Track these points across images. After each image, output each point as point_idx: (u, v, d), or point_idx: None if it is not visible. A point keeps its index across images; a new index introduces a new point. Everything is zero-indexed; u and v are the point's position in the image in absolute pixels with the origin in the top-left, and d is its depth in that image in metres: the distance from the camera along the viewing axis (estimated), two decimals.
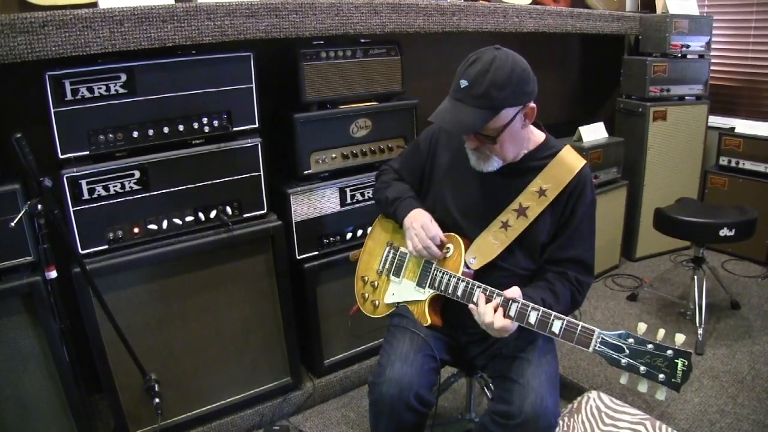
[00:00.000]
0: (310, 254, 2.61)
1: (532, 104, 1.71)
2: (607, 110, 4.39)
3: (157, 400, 2.20)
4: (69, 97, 1.96)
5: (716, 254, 4.19)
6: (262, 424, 2.62)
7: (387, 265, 2.05)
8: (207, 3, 2.14)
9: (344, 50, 2.53)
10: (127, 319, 2.15)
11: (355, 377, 2.88)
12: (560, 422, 2.19)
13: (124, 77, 2.05)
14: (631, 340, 1.44)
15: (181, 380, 2.38)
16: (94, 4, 2.05)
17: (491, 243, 1.82)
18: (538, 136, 1.87)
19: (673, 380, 1.33)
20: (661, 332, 1.43)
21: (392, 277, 2.01)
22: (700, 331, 3.07)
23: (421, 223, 1.87)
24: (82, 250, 2.08)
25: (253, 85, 2.30)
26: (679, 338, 1.34)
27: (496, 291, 1.68)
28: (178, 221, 2.25)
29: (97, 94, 2.01)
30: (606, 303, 3.62)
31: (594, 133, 3.77)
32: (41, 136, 1.97)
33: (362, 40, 2.64)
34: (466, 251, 1.84)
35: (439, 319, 1.91)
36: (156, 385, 2.21)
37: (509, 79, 1.60)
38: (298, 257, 2.58)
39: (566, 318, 1.56)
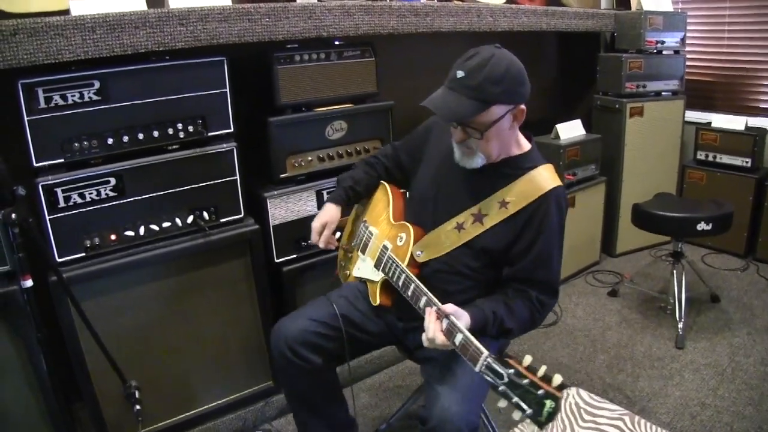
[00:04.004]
0: (289, 257, 2.62)
1: (523, 106, 1.74)
2: (584, 107, 4.42)
3: (137, 407, 2.18)
4: (42, 105, 1.96)
5: (696, 248, 4.24)
6: (245, 429, 2.61)
7: (358, 241, 2.12)
8: (179, 8, 2.14)
9: (318, 53, 2.54)
10: (106, 326, 2.13)
11: None
12: None
13: (97, 84, 2.04)
14: (511, 371, 1.41)
15: (162, 386, 2.37)
16: (66, 12, 2.05)
17: (441, 241, 1.84)
18: (523, 144, 1.88)
19: (538, 418, 1.34)
20: (528, 359, 1.41)
21: (360, 253, 2.08)
22: (680, 325, 3.10)
23: (314, 223, 2.08)
24: (59, 258, 2.08)
25: (227, 90, 2.29)
26: (556, 379, 1.35)
27: (435, 302, 1.63)
28: (155, 227, 2.24)
29: (70, 101, 2.00)
30: (587, 299, 3.65)
31: (571, 130, 3.80)
32: (14, 144, 1.96)
33: (336, 43, 2.65)
34: (415, 243, 1.87)
35: (388, 300, 1.93)
36: (136, 392, 2.19)
37: (504, 76, 1.63)
38: (277, 260, 2.58)
39: (466, 333, 1.51)
